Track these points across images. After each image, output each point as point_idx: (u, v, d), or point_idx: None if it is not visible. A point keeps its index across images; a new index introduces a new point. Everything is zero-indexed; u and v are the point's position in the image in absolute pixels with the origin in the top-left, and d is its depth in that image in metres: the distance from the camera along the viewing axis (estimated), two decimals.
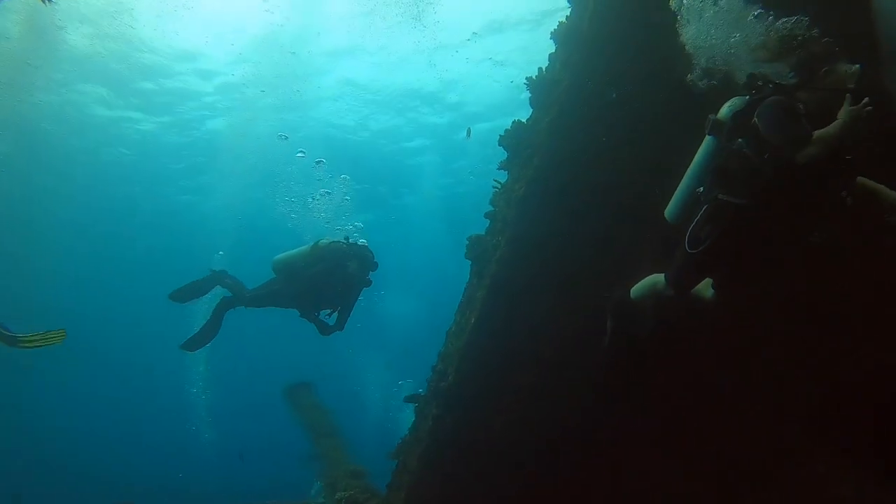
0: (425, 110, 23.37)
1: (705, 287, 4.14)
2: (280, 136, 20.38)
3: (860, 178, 3.72)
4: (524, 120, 6.59)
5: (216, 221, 27.71)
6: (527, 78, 6.37)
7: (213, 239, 26.38)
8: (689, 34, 4.21)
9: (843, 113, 3.38)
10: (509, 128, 6.60)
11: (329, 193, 16.14)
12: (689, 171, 4.03)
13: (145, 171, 25.09)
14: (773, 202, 3.49)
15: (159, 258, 31.01)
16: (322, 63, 19.93)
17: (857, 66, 3.52)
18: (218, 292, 8.83)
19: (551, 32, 6.14)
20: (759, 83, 3.72)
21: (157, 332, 34.07)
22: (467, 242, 7.29)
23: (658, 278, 4.25)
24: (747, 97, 3.75)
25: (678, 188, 4.10)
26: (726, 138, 3.72)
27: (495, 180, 7.35)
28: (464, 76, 20.69)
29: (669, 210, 4.15)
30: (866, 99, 3.36)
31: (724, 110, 3.85)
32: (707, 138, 3.90)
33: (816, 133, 3.37)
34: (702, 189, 3.88)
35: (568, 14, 5.99)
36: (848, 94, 3.42)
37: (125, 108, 21.43)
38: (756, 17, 3.91)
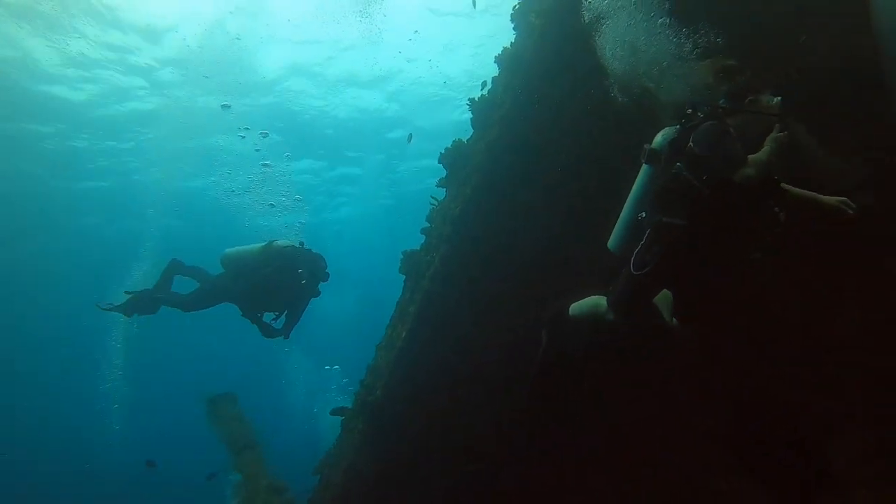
0: (366, 104, 22.97)
1: (648, 312, 4.19)
2: (223, 105, 19.05)
3: (789, 189, 3.90)
4: (465, 139, 6.69)
5: (144, 206, 25.93)
6: (469, 99, 6.49)
7: (142, 221, 24.94)
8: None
9: (770, 139, 3.58)
10: (450, 146, 6.69)
11: (268, 166, 15.94)
12: (628, 201, 4.16)
13: (66, 150, 23.16)
14: (713, 221, 3.62)
15: (78, 245, 29.27)
16: (265, 54, 19.17)
17: (779, 97, 3.74)
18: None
19: (495, 57, 6.28)
20: (689, 111, 3.90)
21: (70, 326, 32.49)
22: (402, 257, 7.32)
23: (600, 301, 4.25)
24: (678, 126, 3.92)
25: (619, 219, 4.21)
26: (664, 164, 3.87)
27: (432, 197, 7.42)
28: (404, 75, 20.51)
29: (612, 241, 4.25)
30: (786, 131, 3.61)
31: (658, 139, 4.02)
32: (643, 167, 4.06)
33: (751, 157, 3.55)
34: (643, 215, 4.00)
35: (512, 40, 6.15)
36: (777, 122, 3.65)
37: (50, 82, 19.74)
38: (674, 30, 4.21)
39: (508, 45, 6.20)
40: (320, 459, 8.00)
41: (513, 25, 6.17)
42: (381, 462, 7.10)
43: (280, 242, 7.80)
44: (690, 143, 3.69)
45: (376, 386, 7.09)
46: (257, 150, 16.97)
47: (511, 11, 6.16)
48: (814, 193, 3.87)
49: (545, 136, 5.77)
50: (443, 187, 7.02)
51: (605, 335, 4.52)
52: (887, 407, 4.37)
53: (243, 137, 18.21)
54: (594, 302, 4.34)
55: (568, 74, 5.57)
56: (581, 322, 4.47)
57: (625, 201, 4.24)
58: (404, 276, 7.34)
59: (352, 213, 30.69)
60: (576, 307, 4.51)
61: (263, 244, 7.72)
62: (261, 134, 16.86)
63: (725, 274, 3.94)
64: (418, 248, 7.24)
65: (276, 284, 7.49)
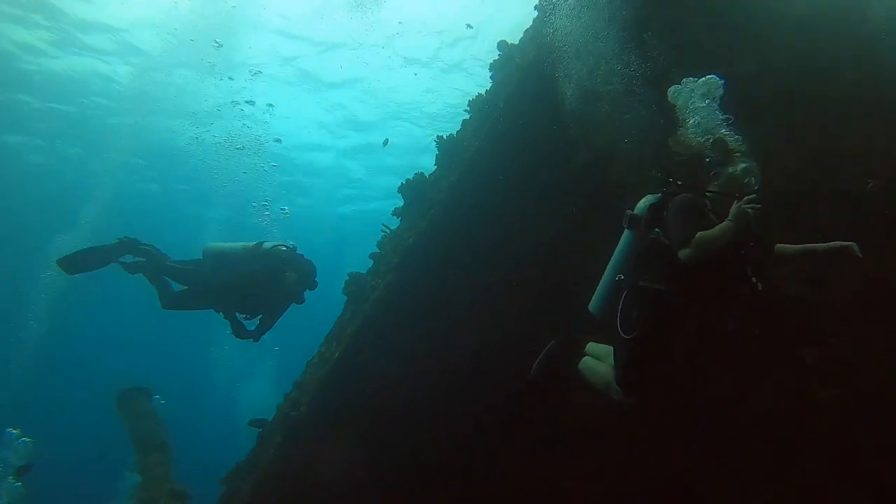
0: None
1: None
2: (215, 43, 16.76)
3: (779, 248, 3.87)
4: (427, 173, 6.89)
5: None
6: (437, 136, 6.70)
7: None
8: None
9: (731, 212, 3.52)
10: (411, 178, 6.85)
11: (252, 103, 16.09)
12: (609, 265, 4.23)
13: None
14: (690, 288, 3.64)
15: None
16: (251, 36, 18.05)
17: (752, 165, 3.67)
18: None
19: (469, 101, 6.54)
20: (671, 180, 3.96)
21: None
22: (347, 278, 7.38)
23: (611, 378, 4.06)
24: (660, 194, 3.98)
25: (601, 282, 4.26)
26: (644, 229, 3.91)
27: (384, 225, 7.55)
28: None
29: (593, 303, 4.28)
30: (751, 196, 3.54)
31: (641, 205, 4.10)
32: (625, 232, 4.14)
33: (699, 234, 3.52)
34: (621, 277, 4.08)
35: (487, 88, 6.42)
36: (737, 194, 3.57)
37: None
38: None
39: (483, 93, 6.47)
40: (229, 470, 7.82)
41: (490, 75, 6.45)
42: (293, 479, 7.03)
43: (271, 243, 7.42)
44: (666, 213, 3.79)
45: (302, 402, 7.06)
46: (234, 102, 16.51)
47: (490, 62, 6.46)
48: (807, 245, 3.85)
49: (508, 184, 6.02)
50: (397, 216, 7.17)
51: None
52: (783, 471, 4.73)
53: (231, 79, 17.43)
54: (607, 375, 4.14)
55: (536, 128, 5.87)
56: (587, 382, 4.33)
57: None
58: (346, 297, 7.39)
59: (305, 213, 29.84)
60: (588, 367, 4.36)
61: (252, 243, 7.37)
62: (251, 72, 16.44)
63: (703, 341, 3.88)
64: (364, 271, 7.34)
65: (259, 284, 7.12)
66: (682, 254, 3.56)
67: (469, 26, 12.03)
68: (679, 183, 3.90)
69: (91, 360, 37.33)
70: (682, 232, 3.60)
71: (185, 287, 7.47)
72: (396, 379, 6.55)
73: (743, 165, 3.69)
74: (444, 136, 6.72)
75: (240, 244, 7.44)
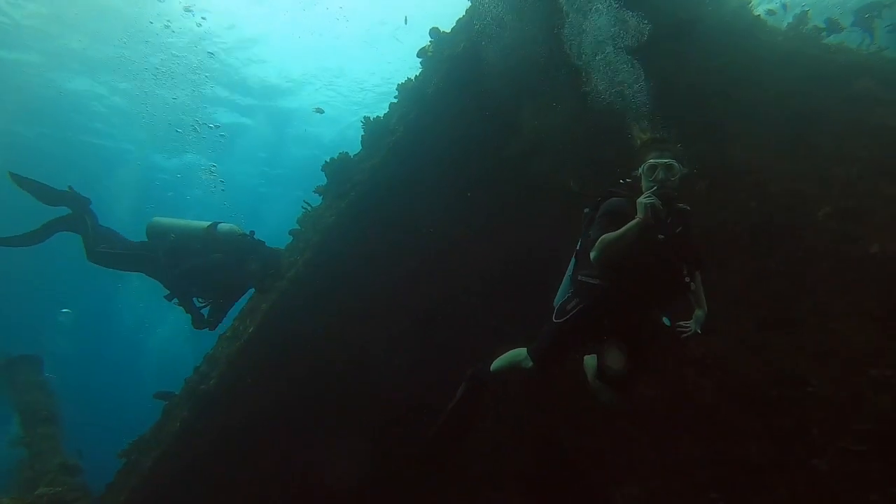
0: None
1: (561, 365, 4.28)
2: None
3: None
4: (352, 154, 6.92)
5: None
6: (364, 117, 6.74)
7: None
8: None
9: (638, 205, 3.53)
10: (336, 157, 6.86)
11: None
12: (573, 259, 4.27)
13: None
14: (622, 284, 3.73)
15: None
16: None
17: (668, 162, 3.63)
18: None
19: (398, 85, 6.61)
20: (621, 181, 3.91)
21: None
22: None
23: (520, 352, 4.29)
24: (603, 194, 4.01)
25: (565, 277, 4.31)
26: (587, 226, 3.98)
27: (305, 202, 7.53)
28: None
29: (557, 298, 4.29)
30: (653, 188, 3.58)
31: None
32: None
33: (602, 236, 3.62)
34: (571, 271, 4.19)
35: (417, 74, 6.52)
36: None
37: None
38: None
39: (412, 78, 6.56)
40: (129, 443, 7.58)
41: (420, 60, 6.54)
42: (198, 454, 6.94)
43: (226, 226, 6.84)
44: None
45: (212, 375, 6.96)
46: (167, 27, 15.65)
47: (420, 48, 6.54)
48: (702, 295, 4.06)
49: (429, 172, 6.18)
50: (320, 194, 7.16)
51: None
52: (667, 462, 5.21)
53: None
54: (515, 352, 4.39)
55: (463, 118, 6.05)
56: (502, 375, 4.51)
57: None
58: None
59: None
60: (497, 361, 4.54)
61: (205, 225, 6.89)
62: None
63: (638, 333, 3.97)
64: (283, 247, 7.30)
65: (221, 274, 6.63)
66: (591, 256, 3.73)
67: (405, 20, 11.95)
68: (628, 181, 3.92)
69: None
70: (595, 234, 3.74)
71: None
72: (309, 357, 6.62)
73: (652, 161, 3.68)
74: (371, 118, 6.76)
75: (195, 224, 6.88)
